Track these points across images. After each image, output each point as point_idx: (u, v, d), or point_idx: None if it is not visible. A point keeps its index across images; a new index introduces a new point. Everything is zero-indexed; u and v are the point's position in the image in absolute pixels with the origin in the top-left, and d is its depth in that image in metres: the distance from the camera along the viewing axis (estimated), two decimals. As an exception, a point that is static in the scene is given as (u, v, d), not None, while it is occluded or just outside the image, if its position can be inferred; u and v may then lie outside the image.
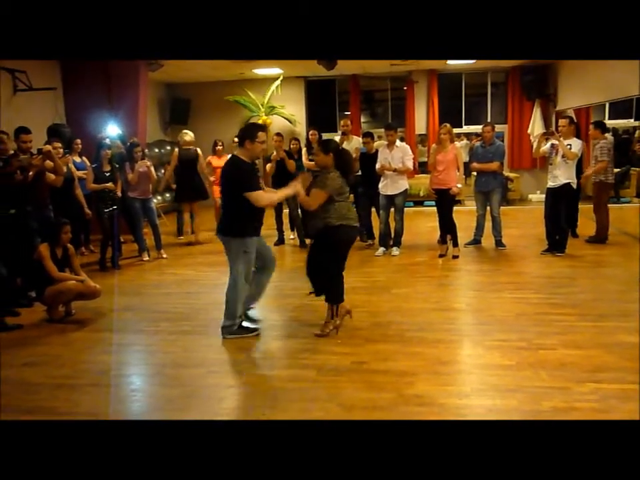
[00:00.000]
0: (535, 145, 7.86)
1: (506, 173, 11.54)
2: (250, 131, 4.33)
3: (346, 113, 13.41)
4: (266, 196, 4.33)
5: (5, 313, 4.95)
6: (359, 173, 7.86)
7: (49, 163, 5.73)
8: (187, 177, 8.60)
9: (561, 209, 6.94)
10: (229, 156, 4.71)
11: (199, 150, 8.66)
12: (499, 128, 10.98)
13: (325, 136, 8.79)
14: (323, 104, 13.70)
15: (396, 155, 7.25)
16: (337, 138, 8.39)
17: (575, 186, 6.97)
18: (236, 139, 8.96)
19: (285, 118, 13.16)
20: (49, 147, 5.75)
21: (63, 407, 3.36)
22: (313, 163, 7.33)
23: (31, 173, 5.46)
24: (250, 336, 4.44)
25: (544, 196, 7.29)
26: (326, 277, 4.41)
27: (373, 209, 7.85)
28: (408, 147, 7.61)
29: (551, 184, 7.00)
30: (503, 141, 12.03)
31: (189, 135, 8.73)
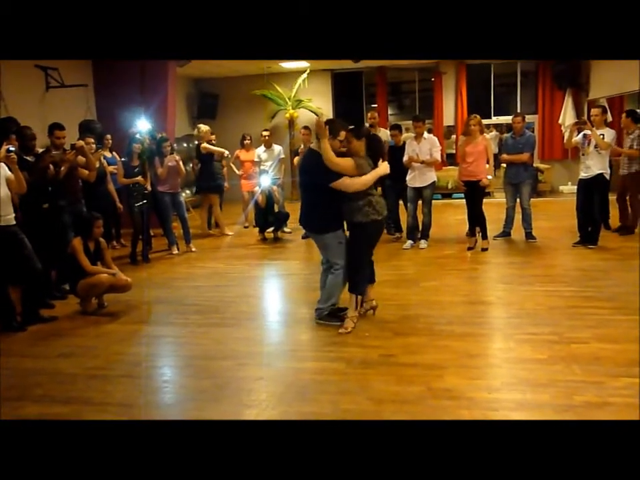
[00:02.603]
0: (566, 136, 7.72)
1: (536, 164, 11.35)
2: (332, 128, 4.32)
3: (373, 105, 13.33)
4: (357, 180, 4.24)
5: (40, 306, 5.07)
6: (387, 165, 7.83)
7: (81, 158, 5.83)
8: (204, 170, 8.74)
9: (593, 200, 6.82)
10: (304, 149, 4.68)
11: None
12: (529, 118, 10.81)
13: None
14: (349, 97, 13.65)
15: (424, 147, 7.20)
16: (365, 130, 8.36)
17: (608, 177, 6.83)
18: (264, 133, 9.09)
19: (311, 111, 13.14)
20: (81, 143, 5.86)
21: (97, 397, 3.44)
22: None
23: (63, 168, 5.58)
24: (337, 324, 4.45)
25: (575, 187, 7.16)
26: (350, 265, 4.43)
27: (401, 202, 7.81)
28: (436, 138, 7.54)
29: (583, 175, 6.87)
30: (533, 131, 11.83)
31: (196, 129, 8.90)
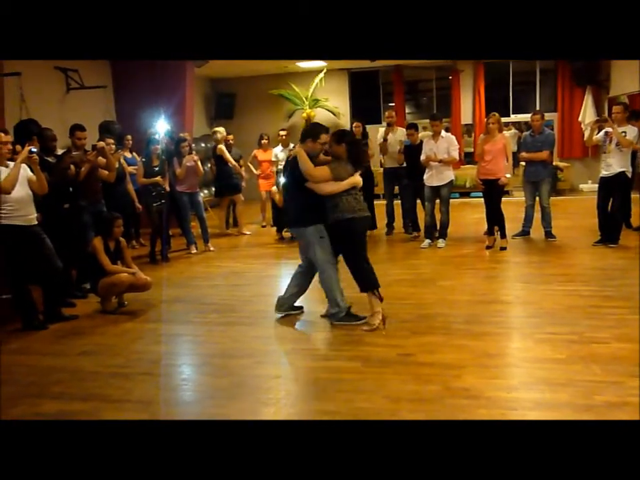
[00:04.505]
0: (586, 133, 7.67)
1: (556, 162, 11.23)
2: (314, 131, 4.49)
3: (390, 104, 13.29)
4: (327, 186, 4.37)
5: (61, 304, 5.14)
6: (404, 164, 7.82)
7: (101, 159, 5.90)
8: (220, 171, 8.78)
9: (614, 199, 6.74)
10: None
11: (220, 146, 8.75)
12: (548, 116, 10.66)
13: (369, 128, 8.75)
14: (366, 96, 13.63)
15: (441, 146, 7.17)
16: (382, 130, 8.35)
17: (629, 175, 6.74)
18: (281, 132, 9.12)
19: (329, 110, 13.16)
20: (102, 144, 5.92)
21: (117, 394, 3.48)
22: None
23: (83, 169, 5.65)
24: (358, 324, 4.46)
25: (596, 186, 7.09)
26: (350, 268, 4.47)
27: (418, 201, 7.79)
28: (453, 137, 7.50)
29: (604, 173, 6.79)
30: (552, 129, 11.69)
31: (215, 132, 8.92)
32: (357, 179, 4.46)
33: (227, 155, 8.61)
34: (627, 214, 7.60)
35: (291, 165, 4.54)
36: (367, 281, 4.46)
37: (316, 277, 4.70)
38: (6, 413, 3.20)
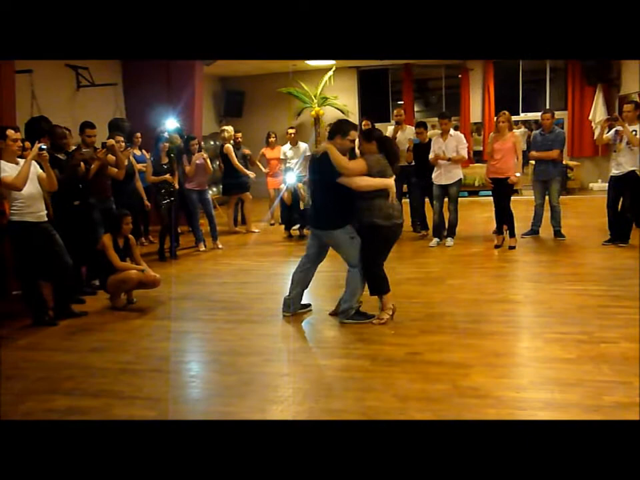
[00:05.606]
0: (597, 132, 7.61)
1: (566, 161, 11.16)
2: (342, 127, 4.43)
3: (399, 102, 13.25)
4: (362, 180, 4.29)
5: (71, 301, 5.17)
6: (412, 163, 7.80)
7: (111, 156, 5.92)
8: (227, 170, 8.77)
9: (624, 198, 6.70)
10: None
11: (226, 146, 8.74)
12: (558, 115, 10.60)
13: (378, 126, 8.71)
14: (375, 94, 13.59)
15: (450, 144, 7.15)
16: (390, 128, 8.34)
17: (640, 174, 6.71)
18: (290, 130, 9.12)
19: (337, 109, 13.13)
20: (112, 141, 5.95)
21: (127, 391, 3.50)
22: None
23: (93, 167, 5.68)
24: (366, 322, 4.47)
25: (606, 185, 7.04)
26: (364, 270, 4.48)
27: (427, 199, 7.77)
28: (462, 135, 7.47)
29: (614, 172, 6.75)
30: (562, 128, 11.63)
31: (222, 131, 8.91)
32: (390, 182, 4.38)
33: (233, 156, 8.60)
34: (637, 213, 7.53)
35: (319, 163, 4.42)
36: (377, 286, 4.50)
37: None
38: (17, 408, 3.24)
